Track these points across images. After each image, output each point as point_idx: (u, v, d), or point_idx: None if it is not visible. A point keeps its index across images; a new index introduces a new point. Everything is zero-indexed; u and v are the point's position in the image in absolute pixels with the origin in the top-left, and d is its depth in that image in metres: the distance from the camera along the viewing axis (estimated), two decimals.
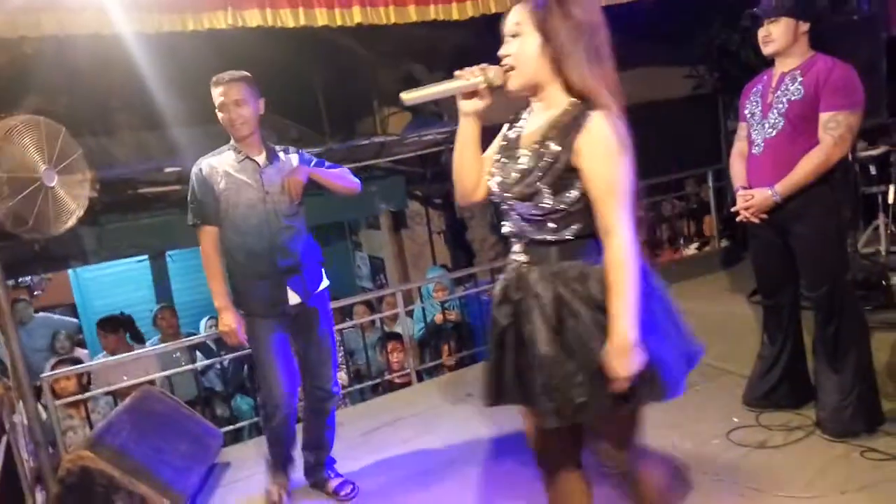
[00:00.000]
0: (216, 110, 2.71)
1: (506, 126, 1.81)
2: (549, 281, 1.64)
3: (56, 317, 6.33)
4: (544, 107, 1.66)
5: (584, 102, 1.59)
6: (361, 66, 6.41)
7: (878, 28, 4.53)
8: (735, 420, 3.04)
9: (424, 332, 5.08)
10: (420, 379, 4.47)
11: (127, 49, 4.24)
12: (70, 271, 7.55)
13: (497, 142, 1.81)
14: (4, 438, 2.83)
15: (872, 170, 4.21)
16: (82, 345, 6.57)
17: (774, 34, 2.71)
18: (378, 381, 4.63)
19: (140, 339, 5.41)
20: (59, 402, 3.56)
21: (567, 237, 1.64)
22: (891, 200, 4.06)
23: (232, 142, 2.77)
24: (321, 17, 3.74)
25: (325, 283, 2.91)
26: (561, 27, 1.56)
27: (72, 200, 3.06)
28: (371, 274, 8.03)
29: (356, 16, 3.83)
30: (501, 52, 1.65)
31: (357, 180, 2.92)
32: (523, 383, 1.70)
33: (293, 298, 2.76)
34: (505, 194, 1.69)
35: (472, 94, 1.70)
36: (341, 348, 4.75)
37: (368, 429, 3.63)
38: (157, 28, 3.42)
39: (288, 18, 3.66)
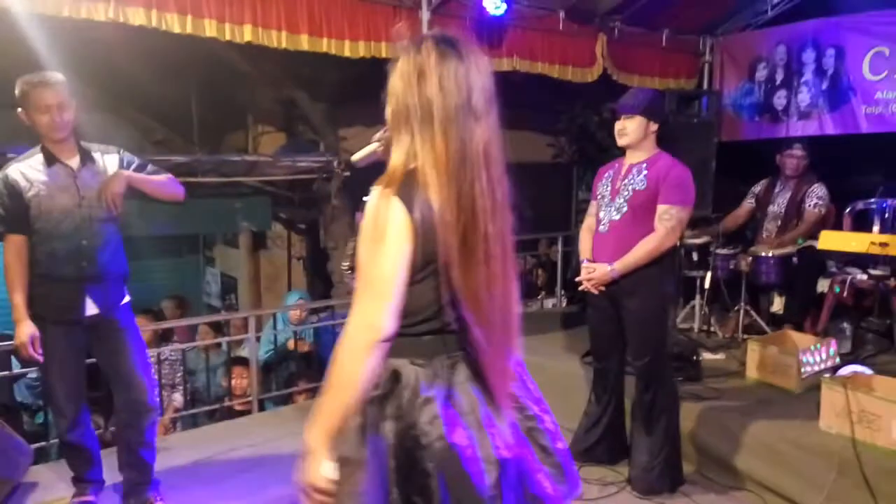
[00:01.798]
0: (32, 111, 2.54)
1: None
2: None
3: None
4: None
5: (387, 175, 1.43)
6: (241, 81, 6.29)
7: (712, 132, 5.22)
8: None
9: (273, 355, 4.97)
10: (262, 408, 4.36)
11: None
12: None
13: None
14: None
15: (694, 256, 4.76)
16: None
17: (629, 129, 3.06)
18: (216, 406, 4.46)
19: None
20: None
21: None
22: (707, 285, 4.62)
23: (42, 144, 2.64)
24: (210, 29, 3.71)
25: (126, 298, 2.84)
26: (394, 86, 1.42)
27: None
28: (221, 292, 7.73)
29: (247, 34, 3.83)
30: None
31: (181, 188, 2.87)
32: None
33: (90, 308, 2.69)
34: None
35: None
36: (181, 367, 4.55)
37: (200, 457, 3.50)
38: (28, 8, 3.22)
39: (174, 24, 3.60)
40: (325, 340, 5.08)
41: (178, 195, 2.85)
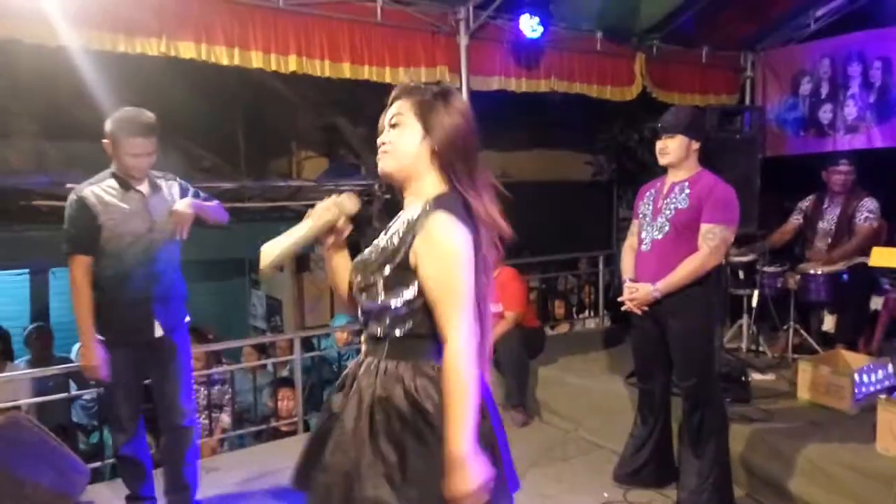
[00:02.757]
0: (120, 152, 2.66)
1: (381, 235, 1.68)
2: (371, 378, 1.58)
3: None
4: (413, 200, 1.62)
5: (438, 199, 1.56)
6: (285, 108, 6.46)
7: (755, 148, 5.14)
8: (605, 495, 3.24)
9: (317, 372, 5.00)
10: (307, 428, 4.41)
11: (41, 56, 4.11)
12: None
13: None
14: None
15: (741, 274, 4.68)
16: None
17: (670, 148, 3.05)
18: (263, 427, 4.53)
19: (10, 357, 5.03)
20: None
21: (396, 336, 1.56)
22: (754, 304, 4.52)
23: (113, 168, 2.75)
24: (256, 60, 3.83)
25: (187, 318, 2.96)
26: (444, 123, 1.57)
27: None
28: (266, 314, 7.87)
29: (291, 64, 3.94)
30: (380, 140, 1.63)
31: (226, 214, 3.02)
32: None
33: (157, 330, 2.79)
34: (355, 283, 1.65)
35: (330, 229, 1.68)
36: (229, 388, 4.63)
37: (247, 477, 3.55)
38: (86, 44, 3.40)
39: (222, 56, 3.72)
40: None
41: (224, 220, 3.00)
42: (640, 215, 3.21)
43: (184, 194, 2.87)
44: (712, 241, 2.97)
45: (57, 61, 3.80)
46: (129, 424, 2.84)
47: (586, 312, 6.38)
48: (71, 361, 5.06)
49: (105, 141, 2.69)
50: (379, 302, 1.56)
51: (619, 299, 3.18)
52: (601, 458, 3.63)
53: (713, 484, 3.02)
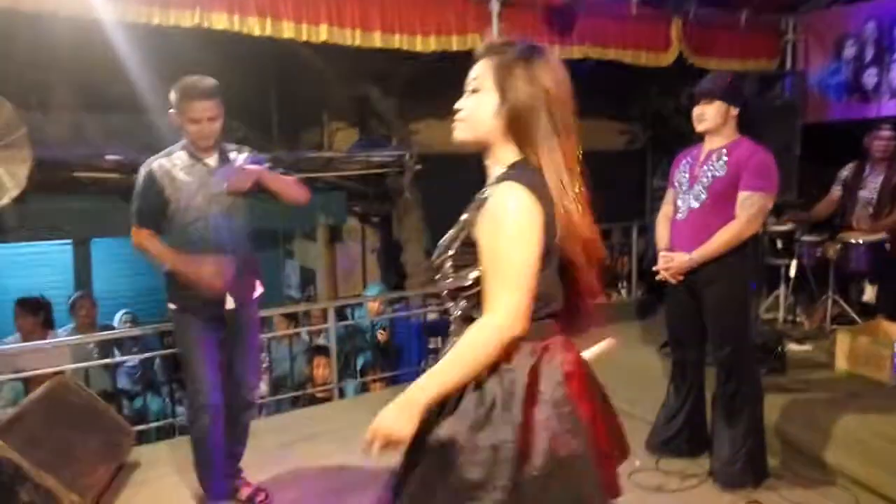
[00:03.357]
0: (184, 119, 2.64)
1: None
2: None
3: None
4: (491, 170, 1.54)
5: (511, 168, 1.48)
6: (316, 79, 6.46)
7: (795, 115, 5.00)
8: (637, 463, 3.24)
9: (350, 340, 5.08)
10: (342, 395, 4.51)
11: (77, 28, 4.16)
12: None
13: None
14: None
15: (779, 243, 4.59)
16: None
17: (707, 114, 2.99)
18: (299, 393, 4.64)
19: (51, 325, 5.19)
20: None
21: (474, 317, 1.46)
22: (792, 274, 4.45)
23: (184, 141, 2.73)
24: (287, 30, 3.83)
25: (259, 290, 2.94)
26: (522, 90, 1.45)
27: (10, 179, 3.02)
28: (300, 284, 7.98)
29: (322, 34, 3.93)
30: (457, 105, 1.55)
31: (306, 191, 2.91)
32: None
33: (229, 303, 2.77)
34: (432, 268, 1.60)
35: None
36: (266, 357, 4.74)
37: (285, 441, 3.65)
38: (121, 17, 3.43)
39: (254, 26, 3.73)
40: (400, 330, 5.20)
41: (302, 197, 2.87)
42: (676, 183, 3.16)
43: (256, 161, 2.82)
44: (750, 208, 2.92)
45: (93, 34, 3.84)
46: (210, 394, 2.74)
47: (619, 283, 6.34)
48: (114, 329, 5.22)
49: (170, 111, 2.68)
50: (449, 282, 1.51)
51: (654, 268, 3.15)
52: (633, 427, 3.55)
53: (747, 453, 3.02)
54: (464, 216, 1.51)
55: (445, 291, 1.54)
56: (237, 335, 2.85)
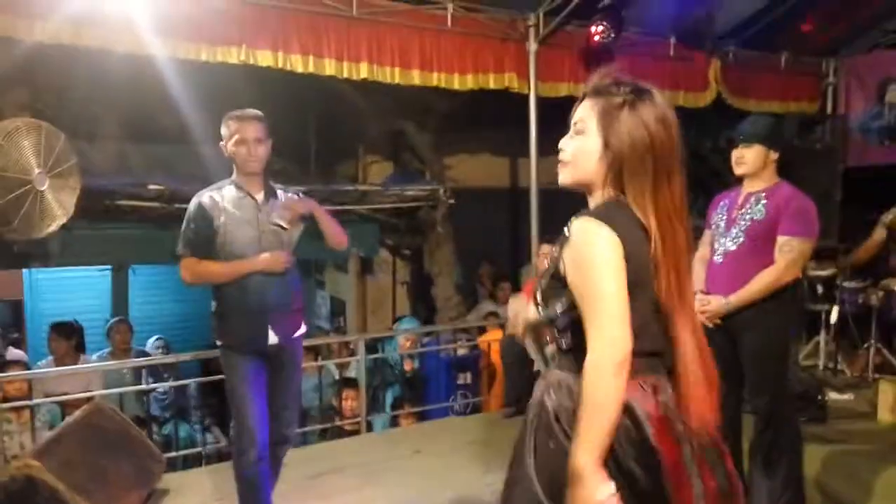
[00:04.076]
0: (230, 143, 2.71)
1: None
2: (544, 388, 1.55)
3: None
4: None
5: (596, 206, 1.49)
6: (353, 113, 6.59)
7: (836, 159, 4.95)
8: None
9: (379, 373, 5.07)
10: (370, 428, 4.49)
11: (126, 63, 4.33)
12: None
13: None
14: None
15: (819, 288, 4.49)
16: (17, 345, 6.37)
17: (747, 157, 2.96)
18: (327, 426, 4.63)
19: (83, 350, 5.29)
20: (4, 405, 3.48)
21: (564, 346, 1.51)
22: (833, 320, 4.34)
23: (234, 176, 2.79)
24: (329, 68, 3.94)
25: (303, 329, 2.95)
26: (626, 136, 1.43)
27: (58, 206, 3.11)
28: (330, 315, 8.03)
29: (363, 71, 4.03)
30: (561, 143, 1.55)
31: (346, 239, 2.99)
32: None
33: (272, 338, 2.78)
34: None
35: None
36: None
37: (314, 473, 3.64)
38: (171, 53, 3.56)
39: (298, 64, 3.84)
40: (429, 364, 5.18)
41: (345, 243, 2.96)
42: (713, 225, 3.12)
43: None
44: (789, 253, 2.86)
45: (140, 68, 4.00)
46: (260, 431, 2.75)
47: None
48: (148, 355, 5.30)
49: (221, 143, 2.76)
50: (540, 312, 1.53)
51: None
52: None
53: None
54: (556, 251, 1.53)
55: (542, 324, 1.56)
56: (280, 371, 2.86)
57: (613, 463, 1.41)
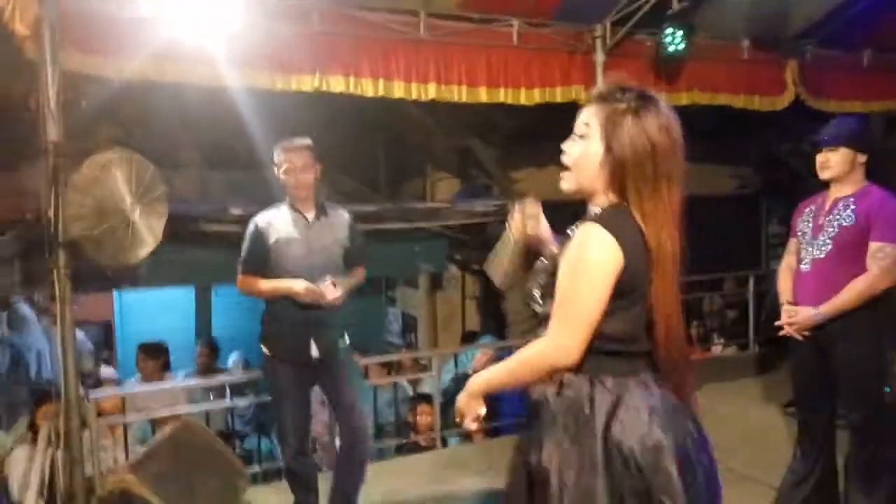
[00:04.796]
0: (280, 172, 2.95)
1: None
2: (548, 387, 1.57)
3: (78, 335, 6.37)
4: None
5: (602, 211, 1.52)
6: (420, 132, 6.68)
7: None
8: None
9: (453, 387, 5.08)
10: (445, 443, 4.50)
11: (204, 94, 4.53)
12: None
13: None
14: (49, 451, 2.96)
15: None
16: (109, 364, 6.70)
17: (832, 161, 2.84)
18: (403, 441, 4.66)
19: (168, 368, 5.51)
20: (102, 421, 3.66)
21: None
22: None
23: (288, 198, 3.01)
24: (398, 90, 4.01)
25: (344, 342, 3.10)
26: (628, 143, 1.45)
27: (149, 233, 3.26)
28: (402, 331, 8.12)
29: (431, 92, 4.08)
30: (564, 146, 1.57)
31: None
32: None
33: (314, 351, 2.97)
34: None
35: (530, 237, 1.75)
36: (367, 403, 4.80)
37: (389, 488, 3.66)
38: (249, 83, 3.71)
39: (368, 88, 3.93)
40: None
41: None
42: (799, 233, 3.00)
43: (352, 229, 3.09)
44: (883, 260, 2.72)
45: (217, 98, 4.19)
46: (294, 439, 3.00)
47: (730, 339, 6.02)
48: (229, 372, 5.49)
49: (274, 168, 2.98)
50: (538, 311, 1.58)
51: (777, 323, 2.98)
52: (753, 492, 3.39)
53: None
54: (560, 251, 1.58)
55: (538, 319, 1.61)
56: (331, 379, 3.04)
57: (622, 463, 1.45)
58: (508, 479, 1.67)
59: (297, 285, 2.87)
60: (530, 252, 1.77)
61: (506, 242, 1.76)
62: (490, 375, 1.61)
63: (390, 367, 5.49)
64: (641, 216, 1.47)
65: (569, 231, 1.58)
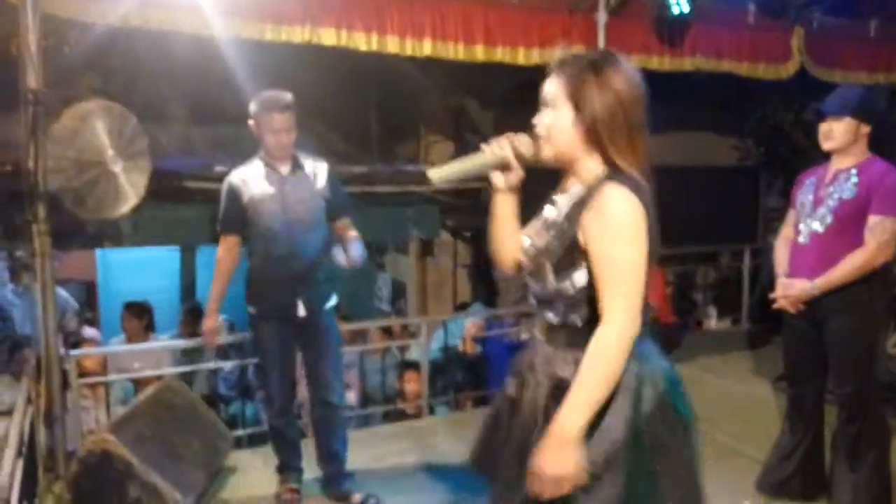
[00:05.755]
0: (262, 129, 2.82)
1: (547, 204, 1.64)
2: (550, 367, 1.52)
3: (62, 293, 6.30)
4: (577, 181, 1.53)
5: (610, 174, 1.47)
6: (414, 92, 6.53)
7: None
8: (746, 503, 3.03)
9: (441, 357, 5.06)
10: (432, 411, 4.47)
11: (191, 45, 4.37)
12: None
13: (536, 218, 1.67)
14: (30, 410, 2.90)
15: None
16: (91, 323, 6.61)
17: (836, 132, 2.76)
18: (389, 408, 4.63)
19: (153, 329, 5.44)
20: (81, 380, 3.60)
21: (576, 323, 1.49)
22: None
23: (261, 152, 2.91)
24: (392, 45, 3.87)
25: (332, 301, 3.04)
26: (595, 99, 1.45)
27: (131, 188, 3.16)
28: (391, 297, 8.06)
29: (426, 48, 3.95)
30: (535, 119, 1.55)
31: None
32: (503, 470, 1.58)
33: (301, 309, 2.91)
34: (522, 270, 1.60)
35: (502, 167, 1.58)
36: (355, 369, 4.77)
37: (375, 454, 3.64)
38: (236, 33, 3.56)
39: (361, 42, 3.79)
40: (491, 348, 5.12)
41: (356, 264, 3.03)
42: (799, 204, 2.93)
43: (331, 180, 2.98)
44: (882, 235, 2.67)
45: (204, 49, 4.03)
46: (279, 396, 3.01)
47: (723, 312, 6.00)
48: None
49: (250, 122, 2.86)
50: (549, 287, 1.49)
51: (772, 296, 2.93)
52: (741, 465, 3.39)
53: (871, 500, 2.77)
54: (560, 217, 1.51)
55: (540, 296, 1.54)
56: (314, 342, 3.00)
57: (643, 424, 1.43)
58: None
59: (208, 323, 3.02)
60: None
61: (475, 156, 1.59)
62: (575, 412, 1.38)
63: (391, 333, 5.43)
64: (632, 171, 1.47)
65: (554, 199, 1.55)
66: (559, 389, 1.46)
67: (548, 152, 1.53)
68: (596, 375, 1.38)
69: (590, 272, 1.44)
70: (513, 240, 1.64)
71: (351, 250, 2.87)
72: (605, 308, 1.39)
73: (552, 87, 1.52)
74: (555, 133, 1.51)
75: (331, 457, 3.06)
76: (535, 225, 1.62)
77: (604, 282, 1.40)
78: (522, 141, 1.57)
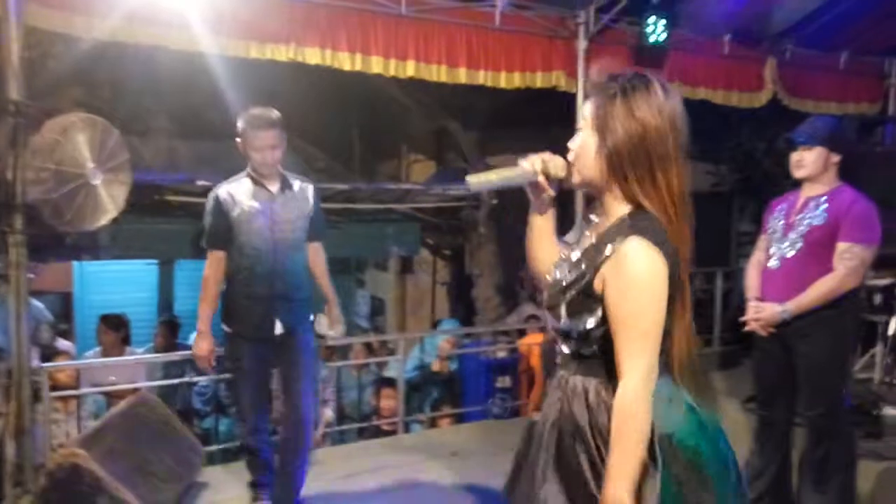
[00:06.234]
0: (248, 146, 2.81)
1: (583, 220, 1.63)
2: (559, 393, 1.53)
3: (37, 305, 6.21)
4: (603, 214, 1.52)
5: (633, 218, 1.43)
6: (397, 112, 6.60)
7: None
8: None
9: (418, 375, 5.08)
10: (407, 429, 4.46)
11: (176, 60, 4.39)
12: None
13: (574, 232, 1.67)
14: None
15: (877, 298, 4.30)
16: (66, 336, 6.52)
17: (807, 160, 2.84)
18: (365, 425, 4.62)
19: (128, 342, 5.38)
20: (53, 394, 3.55)
21: (585, 353, 1.49)
22: (891, 332, 4.15)
23: (249, 169, 2.89)
24: (376, 66, 3.92)
25: (310, 318, 3.03)
26: (618, 128, 1.40)
27: (110, 201, 3.16)
28: (370, 314, 8.06)
29: (409, 69, 4.00)
30: (570, 143, 1.53)
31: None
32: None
33: (278, 328, 2.89)
34: (544, 296, 1.60)
35: (535, 184, 1.57)
36: (332, 385, 4.75)
37: (349, 472, 3.62)
38: (222, 50, 3.59)
39: (345, 61, 3.84)
40: (467, 366, 5.13)
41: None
42: (770, 230, 3.01)
43: (316, 199, 3.00)
44: (850, 261, 2.74)
45: (189, 65, 4.06)
46: (251, 416, 2.96)
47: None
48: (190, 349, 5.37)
49: (238, 139, 2.85)
50: (562, 324, 1.50)
51: (742, 319, 2.99)
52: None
53: None
54: (582, 261, 1.48)
55: (554, 329, 1.54)
56: (289, 360, 2.96)
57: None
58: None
59: (203, 346, 2.93)
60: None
61: (509, 169, 1.58)
62: (619, 480, 1.35)
63: (371, 349, 5.42)
64: (653, 208, 1.43)
65: (603, 248, 1.46)
66: (563, 421, 1.50)
67: (575, 178, 1.52)
68: (625, 437, 1.36)
69: (602, 317, 1.42)
70: (545, 253, 1.64)
71: (337, 324, 2.99)
72: (623, 365, 1.38)
73: (586, 111, 1.49)
74: (580, 160, 1.49)
75: (283, 473, 3.01)
76: (566, 253, 1.60)
77: (621, 339, 1.38)
78: (556, 162, 1.55)
